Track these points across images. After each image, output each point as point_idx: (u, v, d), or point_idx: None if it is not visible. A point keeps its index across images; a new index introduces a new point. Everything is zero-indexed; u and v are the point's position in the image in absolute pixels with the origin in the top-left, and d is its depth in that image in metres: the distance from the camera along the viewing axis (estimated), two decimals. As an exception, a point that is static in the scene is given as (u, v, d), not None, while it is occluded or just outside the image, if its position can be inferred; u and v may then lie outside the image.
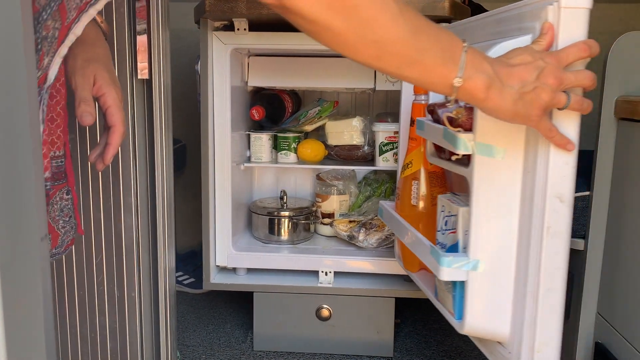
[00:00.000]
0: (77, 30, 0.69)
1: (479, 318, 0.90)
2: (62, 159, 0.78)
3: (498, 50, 0.78)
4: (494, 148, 0.82)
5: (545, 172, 0.80)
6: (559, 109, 0.72)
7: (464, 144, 0.82)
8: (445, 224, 1.00)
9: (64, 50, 0.68)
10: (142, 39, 1.08)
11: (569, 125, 0.79)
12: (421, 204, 1.15)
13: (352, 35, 0.61)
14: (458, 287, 0.94)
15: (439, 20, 1.40)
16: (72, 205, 0.82)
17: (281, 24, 1.49)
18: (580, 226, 1.28)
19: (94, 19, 0.73)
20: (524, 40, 0.80)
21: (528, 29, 0.82)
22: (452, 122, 0.82)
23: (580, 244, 1.29)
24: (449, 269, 0.89)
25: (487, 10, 1.90)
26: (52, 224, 0.79)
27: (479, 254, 0.87)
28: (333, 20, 0.60)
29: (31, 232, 0.55)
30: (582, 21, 0.78)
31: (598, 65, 1.97)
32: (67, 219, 0.81)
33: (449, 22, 1.41)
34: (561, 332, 0.87)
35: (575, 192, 1.28)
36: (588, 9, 0.78)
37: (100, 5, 0.69)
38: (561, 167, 0.79)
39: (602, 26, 1.97)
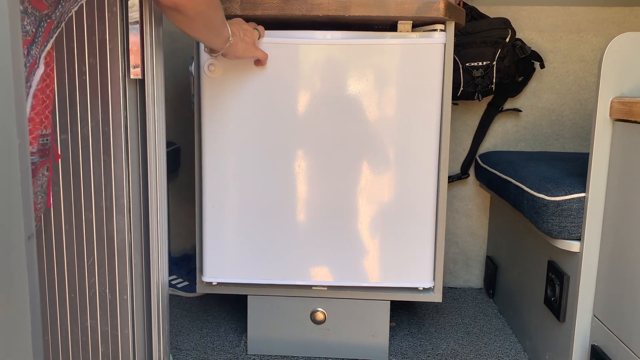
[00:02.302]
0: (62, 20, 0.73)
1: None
2: (48, 137, 0.83)
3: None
4: None
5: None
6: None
7: None
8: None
9: (52, 38, 0.72)
10: (135, 38, 1.07)
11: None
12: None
13: (202, 25, 1.03)
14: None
15: (434, 21, 1.40)
16: (48, 181, 0.86)
17: (275, 24, 1.48)
18: (575, 228, 1.28)
19: None
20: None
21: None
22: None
23: (575, 245, 1.28)
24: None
25: (481, 13, 1.90)
26: (34, 196, 0.83)
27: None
28: (199, 19, 1.01)
29: (18, 230, 0.54)
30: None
31: (593, 67, 1.98)
32: (44, 195, 0.85)
33: (444, 24, 1.40)
34: None
35: (571, 194, 1.28)
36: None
37: None
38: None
39: (596, 29, 1.98)
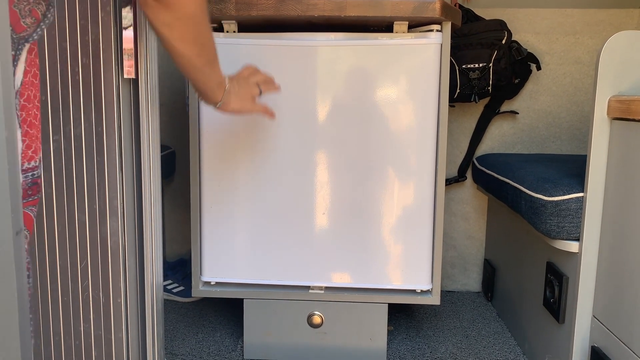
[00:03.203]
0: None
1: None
2: (35, 172, 0.76)
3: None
4: None
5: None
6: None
7: None
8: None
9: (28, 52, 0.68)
10: (128, 38, 1.06)
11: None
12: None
13: (192, 35, 0.90)
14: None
15: (430, 22, 1.40)
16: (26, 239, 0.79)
17: (270, 26, 1.48)
18: (574, 228, 1.27)
19: None
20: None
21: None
22: None
23: (574, 246, 1.27)
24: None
25: (477, 15, 1.90)
26: None
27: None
28: (190, 24, 0.89)
29: (6, 226, 0.53)
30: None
31: (590, 66, 1.98)
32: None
33: (440, 24, 1.40)
34: None
35: (569, 194, 1.27)
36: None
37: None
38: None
39: (592, 31, 1.98)
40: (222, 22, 1.41)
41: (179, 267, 2.10)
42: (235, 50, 1.42)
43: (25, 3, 0.71)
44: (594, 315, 1.26)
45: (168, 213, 2.21)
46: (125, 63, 1.06)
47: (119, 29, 1.07)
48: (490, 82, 1.82)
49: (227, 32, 1.43)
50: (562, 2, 1.97)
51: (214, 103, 1.05)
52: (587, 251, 1.25)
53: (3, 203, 0.51)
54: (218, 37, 1.42)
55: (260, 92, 1.13)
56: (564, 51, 1.99)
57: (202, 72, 0.96)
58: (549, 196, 1.30)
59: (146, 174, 1.15)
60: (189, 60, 0.92)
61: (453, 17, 1.40)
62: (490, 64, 1.80)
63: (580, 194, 1.26)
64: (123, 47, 1.07)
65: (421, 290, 1.51)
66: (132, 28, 1.07)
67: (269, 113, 1.16)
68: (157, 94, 1.16)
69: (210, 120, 1.46)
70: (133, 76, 1.07)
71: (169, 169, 2.07)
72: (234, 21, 1.41)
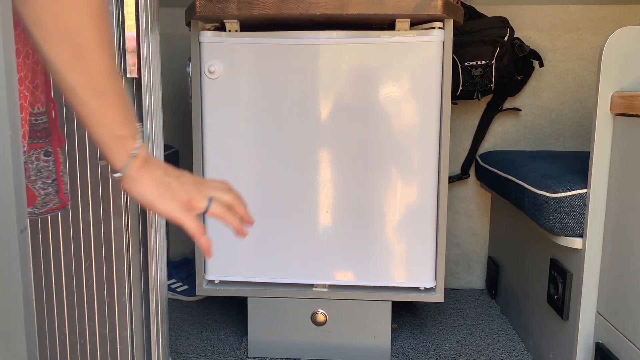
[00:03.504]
0: None
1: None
2: (43, 117, 0.72)
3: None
4: None
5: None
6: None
7: None
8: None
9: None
10: (130, 37, 1.06)
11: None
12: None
13: (64, 34, 0.61)
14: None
15: (432, 19, 1.40)
16: (54, 168, 0.75)
17: (273, 24, 1.48)
18: (577, 224, 1.27)
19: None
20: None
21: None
22: None
23: (578, 242, 1.27)
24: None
25: (479, 12, 1.90)
26: (29, 184, 0.75)
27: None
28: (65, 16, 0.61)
29: (10, 224, 0.53)
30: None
31: (593, 62, 1.98)
32: (49, 181, 0.76)
33: (442, 21, 1.40)
34: None
35: (573, 190, 1.27)
36: None
37: None
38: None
39: (595, 27, 1.97)
40: (224, 21, 1.41)
41: (183, 266, 2.11)
42: (238, 50, 1.42)
43: None
44: (598, 312, 1.25)
45: (172, 212, 2.21)
46: (128, 63, 1.07)
47: (122, 29, 1.07)
48: (493, 80, 1.82)
49: (229, 31, 1.43)
50: (564, -2, 1.97)
51: (114, 169, 0.69)
52: (590, 247, 1.25)
53: (7, 201, 0.52)
54: (220, 37, 1.42)
55: (206, 211, 0.74)
56: (567, 48, 1.98)
57: (85, 106, 0.63)
58: (552, 193, 1.29)
59: (150, 173, 1.15)
60: (61, 75, 0.62)
61: (455, 14, 1.40)
62: (493, 61, 1.80)
63: (584, 190, 1.26)
64: (126, 47, 1.07)
65: (425, 288, 1.51)
66: (134, 28, 1.07)
67: (207, 251, 0.74)
68: (160, 93, 1.17)
69: (213, 120, 1.46)
70: (136, 75, 1.08)
71: (173, 168, 2.07)
72: (236, 20, 1.41)
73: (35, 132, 0.73)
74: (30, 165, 0.75)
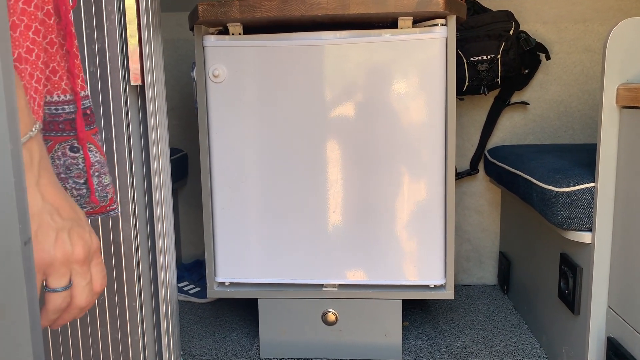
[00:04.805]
0: None
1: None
2: (65, 106, 0.63)
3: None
4: None
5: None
6: None
7: None
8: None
9: None
10: (133, 45, 1.07)
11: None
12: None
13: None
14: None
15: (435, 16, 1.39)
16: (84, 166, 0.67)
17: (275, 26, 1.48)
18: (586, 218, 1.26)
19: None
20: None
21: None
22: None
23: (587, 237, 1.26)
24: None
25: (484, 7, 1.89)
26: (60, 182, 0.64)
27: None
28: None
29: (14, 236, 0.54)
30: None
31: (600, 56, 1.96)
32: (81, 181, 0.67)
33: (444, 18, 1.39)
34: None
35: (580, 184, 1.26)
36: None
37: None
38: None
39: (602, 18, 1.95)
40: (227, 24, 1.42)
41: (195, 268, 2.12)
42: (242, 53, 1.43)
43: None
44: (609, 306, 1.24)
45: (182, 215, 2.23)
46: (132, 70, 1.08)
47: (125, 36, 1.08)
48: (499, 74, 1.81)
49: (233, 34, 1.44)
50: (570, -11, 1.95)
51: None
52: (600, 242, 1.24)
53: (10, 213, 0.52)
54: (223, 40, 1.43)
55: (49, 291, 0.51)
56: (574, 39, 1.97)
57: None
58: (559, 187, 1.29)
59: (156, 179, 1.16)
60: None
61: (458, 10, 1.39)
62: (499, 56, 1.79)
63: (592, 184, 1.25)
64: (129, 54, 1.08)
65: (435, 285, 1.51)
66: (137, 35, 1.08)
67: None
68: (165, 99, 1.18)
69: (219, 122, 1.47)
70: (140, 82, 1.09)
71: (182, 171, 2.09)
72: (239, 23, 1.42)
73: (56, 124, 0.64)
74: (57, 162, 0.67)
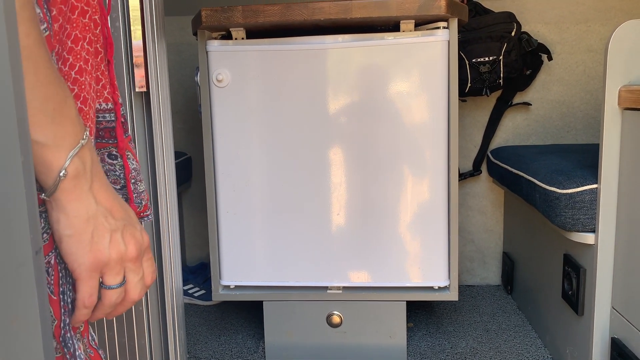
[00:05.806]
0: None
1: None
2: (106, 114, 0.64)
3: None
4: None
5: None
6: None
7: None
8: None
9: None
10: (138, 52, 1.08)
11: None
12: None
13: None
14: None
15: (436, 19, 1.40)
16: (122, 174, 0.68)
17: (278, 31, 1.49)
18: (589, 220, 1.26)
19: None
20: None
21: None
22: None
23: (590, 238, 1.27)
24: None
25: (486, 8, 1.89)
26: None
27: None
28: None
29: (25, 246, 0.55)
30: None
31: (602, 56, 1.96)
32: (117, 187, 0.68)
33: (446, 21, 1.40)
34: None
35: (583, 186, 1.26)
36: None
37: None
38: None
39: (604, 18, 1.95)
40: (230, 29, 1.43)
41: (200, 271, 2.13)
42: (245, 57, 1.44)
43: None
44: (613, 307, 1.25)
45: (187, 218, 2.24)
46: (137, 76, 1.09)
47: (129, 43, 1.09)
48: (501, 75, 1.81)
49: (236, 39, 1.44)
50: (571, -10, 1.95)
51: (42, 185, 0.50)
52: (603, 243, 1.24)
53: (22, 223, 0.53)
54: (227, 45, 1.44)
55: (105, 287, 0.54)
56: (576, 40, 1.97)
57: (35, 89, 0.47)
58: (562, 189, 1.29)
59: (161, 183, 1.17)
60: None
61: (459, 13, 1.40)
62: (501, 57, 1.80)
63: (594, 186, 1.25)
64: (133, 61, 1.09)
65: (439, 287, 1.52)
66: (141, 42, 1.09)
67: (77, 322, 0.56)
68: (169, 104, 1.19)
69: (223, 127, 1.48)
70: (145, 89, 1.10)
71: (186, 174, 2.10)
72: (241, 28, 1.42)
73: (97, 131, 0.65)
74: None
